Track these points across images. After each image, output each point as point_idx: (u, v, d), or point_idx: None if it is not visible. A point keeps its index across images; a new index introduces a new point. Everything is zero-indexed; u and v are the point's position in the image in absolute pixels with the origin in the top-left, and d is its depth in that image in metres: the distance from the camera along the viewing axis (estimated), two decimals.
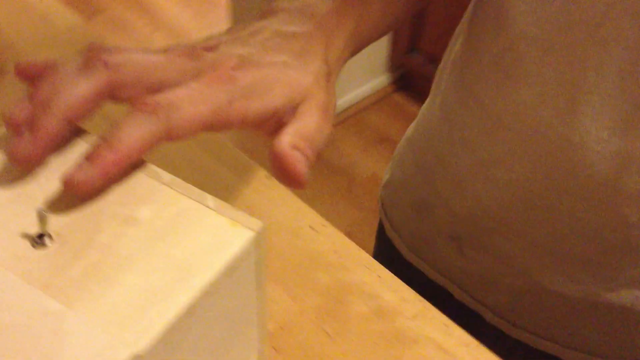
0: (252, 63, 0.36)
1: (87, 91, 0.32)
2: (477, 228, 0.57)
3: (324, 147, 0.38)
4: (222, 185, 0.55)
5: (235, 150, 0.58)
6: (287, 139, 0.36)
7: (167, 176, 0.33)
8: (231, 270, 0.30)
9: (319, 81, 0.39)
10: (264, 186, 0.55)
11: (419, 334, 0.46)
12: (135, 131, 0.31)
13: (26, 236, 0.29)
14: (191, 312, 0.28)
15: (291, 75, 0.37)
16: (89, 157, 0.31)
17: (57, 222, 0.30)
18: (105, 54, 0.33)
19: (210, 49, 0.37)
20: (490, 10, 0.49)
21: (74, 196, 0.31)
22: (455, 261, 0.61)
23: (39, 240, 0.29)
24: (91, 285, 0.28)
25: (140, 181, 0.33)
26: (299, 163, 0.35)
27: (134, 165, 0.33)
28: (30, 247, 0.29)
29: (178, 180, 0.33)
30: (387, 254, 0.69)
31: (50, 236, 0.30)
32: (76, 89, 0.32)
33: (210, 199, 0.32)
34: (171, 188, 0.32)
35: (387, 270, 0.50)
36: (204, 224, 0.31)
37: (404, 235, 0.67)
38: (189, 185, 0.33)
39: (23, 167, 0.32)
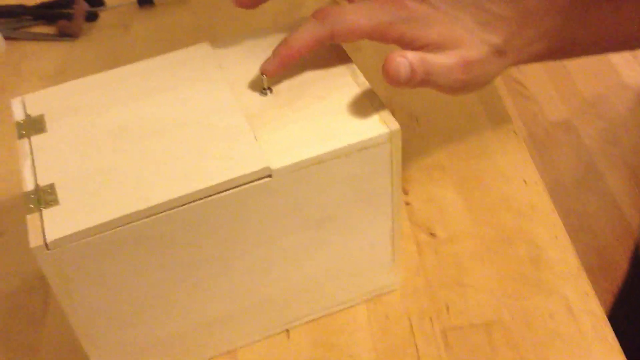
0: (430, 3, 0.46)
1: (312, 38, 0.46)
2: None
3: (446, 87, 0.46)
4: (474, 125, 0.66)
5: (503, 108, 0.68)
6: (405, 52, 0.45)
7: (361, 79, 0.46)
8: (363, 148, 0.43)
9: (481, 46, 0.47)
10: (507, 138, 0.64)
11: (555, 290, 0.52)
12: (305, 34, 0.45)
13: (259, 88, 0.46)
14: (321, 161, 0.42)
15: (455, 29, 0.46)
16: (273, 53, 0.46)
17: (283, 86, 0.47)
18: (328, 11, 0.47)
19: None
20: None
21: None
22: None
23: (263, 91, 0.46)
24: (274, 124, 0.44)
25: (343, 78, 0.47)
26: (396, 64, 0.44)
27: (343, 60, 0.47)
28: (258, 95, 0.46)
29: (366, 84, 0.46)
30: None
31: (271, 90, 0.46)
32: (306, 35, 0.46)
33: (377, 101, 0.45)
34: (359, 87, 0.46)
35: (567, 236, 0.56)
36: (362, 113, 0.44)
37: None
38: (371, 90, 0.46)
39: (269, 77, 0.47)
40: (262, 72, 0.46)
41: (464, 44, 0.47)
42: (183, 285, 0.45)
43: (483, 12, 0.48)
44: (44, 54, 0.79)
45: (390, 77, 0.45)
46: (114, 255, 0.41)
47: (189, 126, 0.44)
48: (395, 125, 0.43)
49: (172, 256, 0.43)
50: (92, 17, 0.81)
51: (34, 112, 0.46)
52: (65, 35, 0.80)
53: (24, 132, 0.45)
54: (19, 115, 0.46)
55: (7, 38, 0.80)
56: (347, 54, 0.49)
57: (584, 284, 0.53)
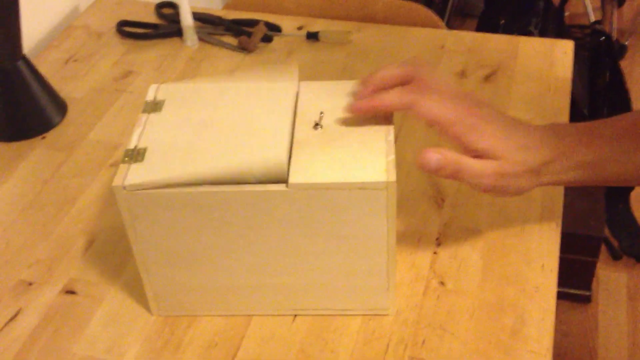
0: (492, 122, 0.59)
1: (395, 104, 0.59)
2: None
3: (475, 186, 0.59)
4: (525, 205, 0.74)
5: (559, 205, 0.75)
6: (443, 151, 0.57)
7: (391, 138, 0.58)
8: (362, 188, 0.55)
9: (517, 164, 0.58)
10: (549, 227, 0.72)
11: None
12: (394, 96, 0.59)
13: (312, 123, 0.60)
14: (328, 188, 0.55)
15: (501, 145, 0.58)
16: (367, 99, 0.59)
17: (331, 126, 0.60)
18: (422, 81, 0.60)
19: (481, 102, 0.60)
20: None
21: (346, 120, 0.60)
22: None
23: (315, 126, 0.60)
24: (309, 152, 0.57)
25: (378, 133, 0.59)
26: (428, 156, 0.57)
27: (387, 121, 0.60)
28: (311, 127, 0.60)
29: (392, 143, 0.58)
30: None
31: (321, 127, 0.60)
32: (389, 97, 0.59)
33: (391, 158, 0.56)
34: (386, 144, 0.58)
35: (552, 320, 0.63)
36: (375, 163, 0.56)
37: None
38: (392, 149, 0.57)
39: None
40: (350, 110, 0.60)
41: (503, 158, 0.59)
42: (215, 250, 0.60)
43: (525, 139, 0.60)
44: (222, 58, 0.99)
45: (420, 165, 0.58)
46: (168, 208, 0.57)
47: (252, 134, 0.59)
48: (393, 177, 0.55)
49: (209, 223, 0.58)
50: (267, 39, 1.00)
51: (160, 97, 0.64)
52: (242, 48, 0.99)
53: (146, 109, 0.63)
54: (149, 97, 0.64)
55: (200, 39, 1.01)
56: (392, 118, 0.61)
57: None
